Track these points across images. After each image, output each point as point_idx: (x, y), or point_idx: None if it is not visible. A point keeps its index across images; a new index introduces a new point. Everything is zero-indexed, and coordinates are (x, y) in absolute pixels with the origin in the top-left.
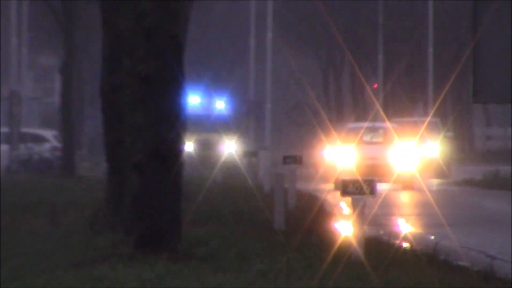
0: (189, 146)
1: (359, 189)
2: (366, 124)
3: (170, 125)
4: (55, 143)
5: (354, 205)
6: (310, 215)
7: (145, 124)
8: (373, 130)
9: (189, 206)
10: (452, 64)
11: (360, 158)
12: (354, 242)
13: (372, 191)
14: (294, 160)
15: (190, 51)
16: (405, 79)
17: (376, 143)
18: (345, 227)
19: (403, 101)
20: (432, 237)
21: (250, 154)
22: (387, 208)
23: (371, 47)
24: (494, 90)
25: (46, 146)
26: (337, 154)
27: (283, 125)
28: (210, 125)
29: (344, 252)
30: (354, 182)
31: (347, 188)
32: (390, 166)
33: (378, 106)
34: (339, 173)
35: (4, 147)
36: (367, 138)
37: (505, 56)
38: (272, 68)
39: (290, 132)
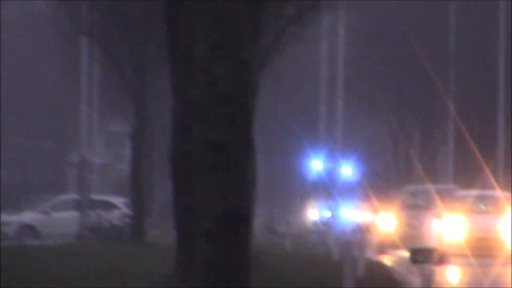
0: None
1: (428, 258)
2: (475, 192)
3: (241, 192)
4: (125, 210)
5: (423, 273)
6: (379, 284)
7: (215, 191)
8: (482, 199)
9: (259, 274)
10: None
11: (470, 230)
12: None
13: (442, 260)
14: (365, 228)
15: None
16: (475, 147)
17: (486, 213)
18: None
19: (474, 169)
20: None
21: (322, 222)
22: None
23: (441, 115)
24: None
25: (116, 213)
26: (444, 224)
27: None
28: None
29: None
30: (424, 251)
31: (416, 256)
32: (502, 239)
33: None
34: (445, 246)
35: (75, 214)
36: (477, 207)
37: None
38: (343, 135)
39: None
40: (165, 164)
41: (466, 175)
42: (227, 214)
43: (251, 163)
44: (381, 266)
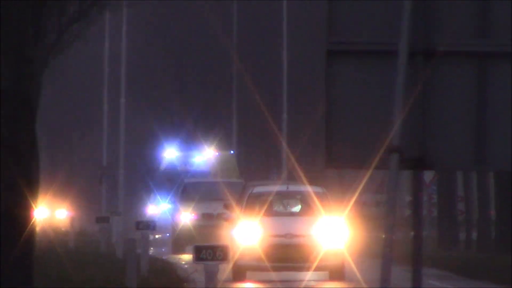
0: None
1: (212, 255)
2: (277, 188)
3: (23, 190)
4: None
5: (206, 271)
6: (163, 281)
7: None
8: (287, 196)
9: (41, 272)
10: (305, 127)
11: (268, 235)
12: None
13: (225, 257)
14: (147, 225)
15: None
16: (260, 145)
17: (292, 214)
18: None
19: (258, 166)
20: None
21: (102, 220)
22: None
23: (225, 113)
24: (348, 154)
25: None
26: (236, 230)
27: (138, 190)
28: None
29: None
30: (207, 248)
31: (199, 254)
32: (311, 246)
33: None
34: (239, 254)
35: None
36: (278, 207)
37: (359, 118)
38: (126, 133)
39: (145, 197)
40: None
41: (249, 168)
42: (8, 212)
43: (33, 160)
44: (165, 263)
